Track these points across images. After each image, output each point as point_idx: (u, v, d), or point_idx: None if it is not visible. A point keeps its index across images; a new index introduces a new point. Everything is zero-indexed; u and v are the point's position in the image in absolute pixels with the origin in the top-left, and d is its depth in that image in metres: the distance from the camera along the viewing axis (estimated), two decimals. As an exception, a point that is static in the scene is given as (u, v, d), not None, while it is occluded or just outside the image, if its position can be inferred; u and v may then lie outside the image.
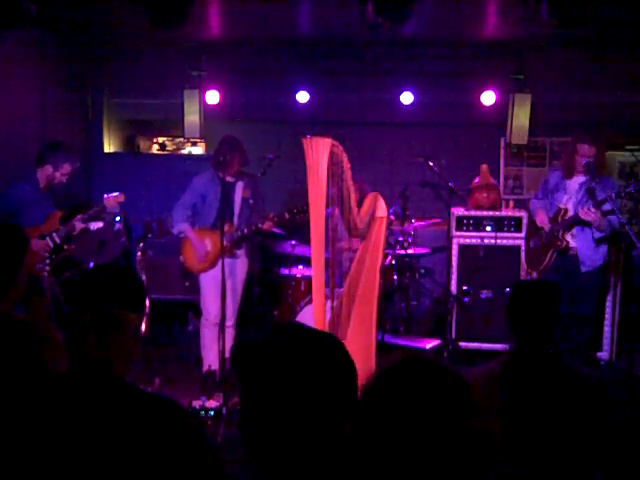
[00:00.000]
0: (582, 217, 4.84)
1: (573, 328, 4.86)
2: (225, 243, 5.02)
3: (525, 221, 5.85)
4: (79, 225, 4.96)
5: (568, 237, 5.05)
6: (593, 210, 4.77)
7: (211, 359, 5.24)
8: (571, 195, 5.09)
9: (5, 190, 4.84)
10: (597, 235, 4.95)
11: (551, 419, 2.23)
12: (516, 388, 2.36)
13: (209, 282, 5.21)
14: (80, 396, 1.68)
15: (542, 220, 5.19)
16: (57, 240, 4.85)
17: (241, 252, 5.33)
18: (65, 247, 4.89)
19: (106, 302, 1.78)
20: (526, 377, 2.42)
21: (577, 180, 5.07)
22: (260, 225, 5.13)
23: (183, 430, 1.69)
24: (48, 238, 4.82)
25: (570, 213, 5.03)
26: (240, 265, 5.35)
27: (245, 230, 5.16)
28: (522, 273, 5.78)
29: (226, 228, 5.00)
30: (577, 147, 4.98)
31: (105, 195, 5.11)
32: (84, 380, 1.72)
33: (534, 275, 5.27)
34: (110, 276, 1.85)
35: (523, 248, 5.83)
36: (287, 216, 5.09)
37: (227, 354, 4.92)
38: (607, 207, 4.78)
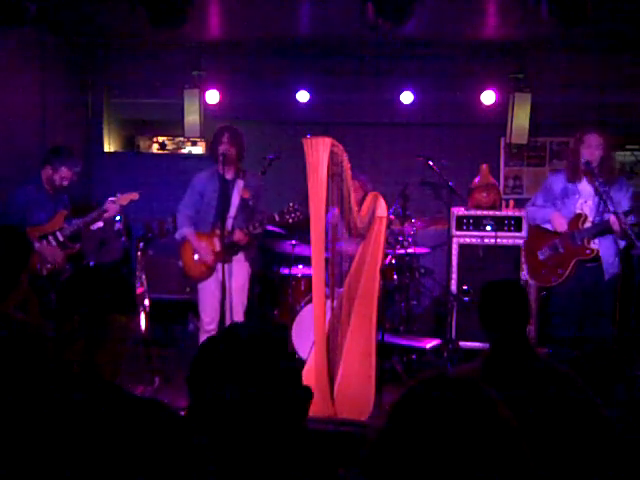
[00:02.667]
0: (612, 224, 4.35)
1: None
2: (217, 249, 4.95)
3: (525, 221, 5.84)
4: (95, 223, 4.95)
5: (592, 245, 4.56)
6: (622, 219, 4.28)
7: None
8: (587, 198, 4.62)
9: (9, 196, 4.85)
10: (622, 244, 4.57)
11: (533, 416, 2.23)
12: (496, 386, 2.38)
13: (206, 289, 5.03)
14: (69, 400, 1.67)
15: (562, 224, 4.64)
16: (60, 238, 4.85)
17: (238, 257, 5.02)
18: (70, 245, 4.90)
19: (95, 305, 1.77)
20: (504, 375, 2.42)
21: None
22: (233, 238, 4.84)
23: (171, 433, 1.68)
24: (51, 237, 4.81)
25: (590, 218, 4.58)
26: (239, 270, 5.03)
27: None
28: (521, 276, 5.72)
29: (217, 233, 4.85)
30: (584, 138, 4.53)
31: (118, 194, 5.08)
32: (73, 384, 1.72)
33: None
34: (98, 279, 1.85)
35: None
36: (277, 218, 4.85)
37: None
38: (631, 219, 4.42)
